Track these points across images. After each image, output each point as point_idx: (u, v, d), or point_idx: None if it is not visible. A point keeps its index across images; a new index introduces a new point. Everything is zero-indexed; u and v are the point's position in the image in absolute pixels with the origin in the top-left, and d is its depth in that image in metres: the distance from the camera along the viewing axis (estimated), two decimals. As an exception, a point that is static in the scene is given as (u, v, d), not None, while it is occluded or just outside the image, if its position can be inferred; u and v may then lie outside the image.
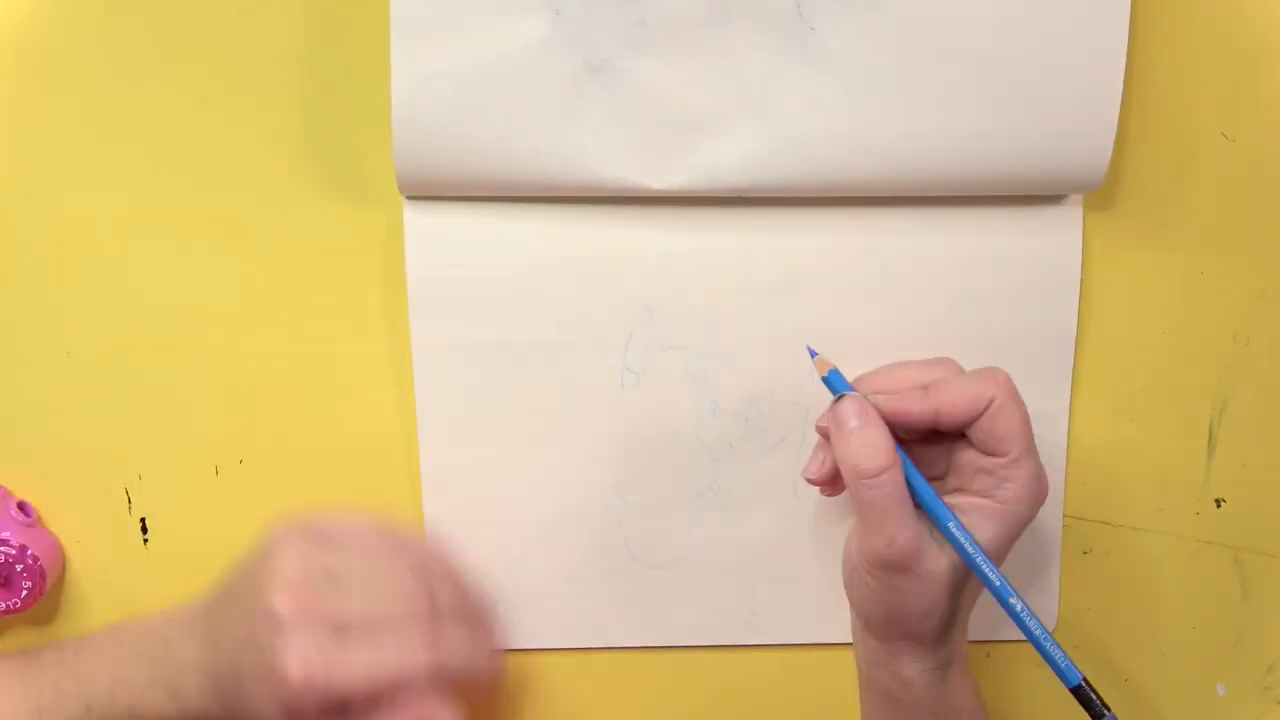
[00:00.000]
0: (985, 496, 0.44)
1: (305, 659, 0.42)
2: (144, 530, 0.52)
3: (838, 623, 0.52)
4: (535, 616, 0.52)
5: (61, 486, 0.51)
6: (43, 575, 0.49)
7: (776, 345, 0.50)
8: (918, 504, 0.44)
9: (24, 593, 0.49)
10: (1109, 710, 0.42)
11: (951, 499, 0.44)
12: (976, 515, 0.44)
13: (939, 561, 0.43)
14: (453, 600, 0.47)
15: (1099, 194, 0.49)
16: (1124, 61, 0.46)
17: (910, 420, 0.44)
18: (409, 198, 0.48)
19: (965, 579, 0.44)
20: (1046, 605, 0.53)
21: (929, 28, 0.45)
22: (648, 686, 0.54)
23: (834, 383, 0.46)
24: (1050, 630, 0.53)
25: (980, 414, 0.43)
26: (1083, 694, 0.42)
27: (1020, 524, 0.44)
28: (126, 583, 0.52)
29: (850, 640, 0.49)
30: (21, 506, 0.50)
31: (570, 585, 0.52)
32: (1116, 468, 0.53)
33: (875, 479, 0.43)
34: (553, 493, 0.51)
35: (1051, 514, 0.53)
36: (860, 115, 0.46)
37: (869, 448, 0.43)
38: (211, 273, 0.50)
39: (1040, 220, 0.50)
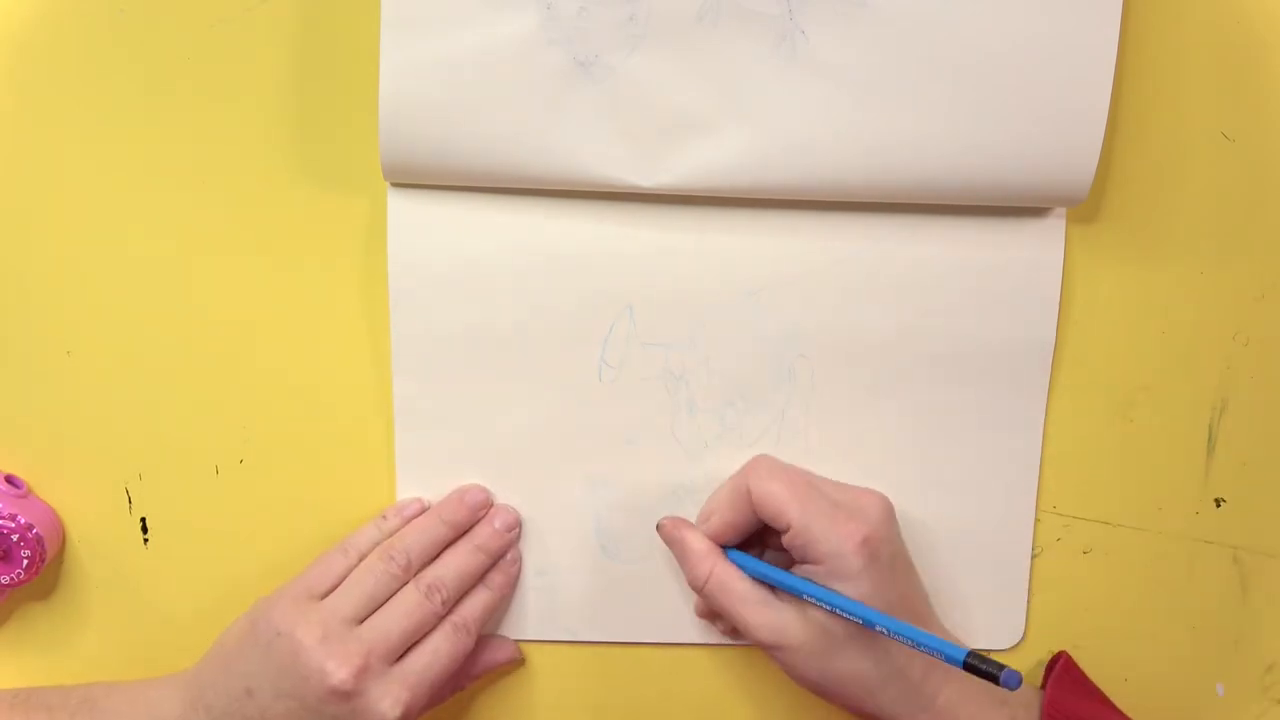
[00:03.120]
0: (808, 563, 0.46)
1: (393, 701, 0.45)
2: (144, 530, 0.52)
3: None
4: (503, 608, 0.52)
5: (61, 487, 0.51)
6: (40, 542, 0.49)
7: (756, 346, 0.50)
8: (775, 588, 0.47)
9: (25, 562, 0.49)
10: (1003, 668, 0.41)
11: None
12: (819, 581, 0.46)
13: (802, 633, 0.46)
14: (443, 550, 0.50)
15: (1088, 205, 0.49)
16: (1111, 81, 0.46)
17: (723, 537, 0.49)
18: (393, 185, 0.48)
19: (847, 641, 0.46)
20: (1015, 609, 0.53)
21: (918, 38, 0.45)
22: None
23: None
24: (1022, 635, 0.53)
25: (750, 508, 0.47)
26: (972, 666, 0.42)
27: (848, 574, 0.45)
28: (126, 583, 0.52)
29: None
30: (10, 479, 0.50)
31: (540, 578, 0.52)
32: (1116, 468, 0.53)
33: (703, 587, 0.48)
34: (526, 484, 0.51)
35: (1023, 519, 0.53)
36: (847, 121, 0.46)
37: (691, 564, 0.48)
38: (205, 265, 0.50)
39: (1024, 231, 0.50)
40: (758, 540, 0.50)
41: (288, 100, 0.48)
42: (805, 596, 0.45)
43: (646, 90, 0.46)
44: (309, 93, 0.48)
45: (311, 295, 0.50)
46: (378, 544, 0.49)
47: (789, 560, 0.47)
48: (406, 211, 0.48)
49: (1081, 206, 0.49)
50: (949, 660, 0.42)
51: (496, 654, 0.52)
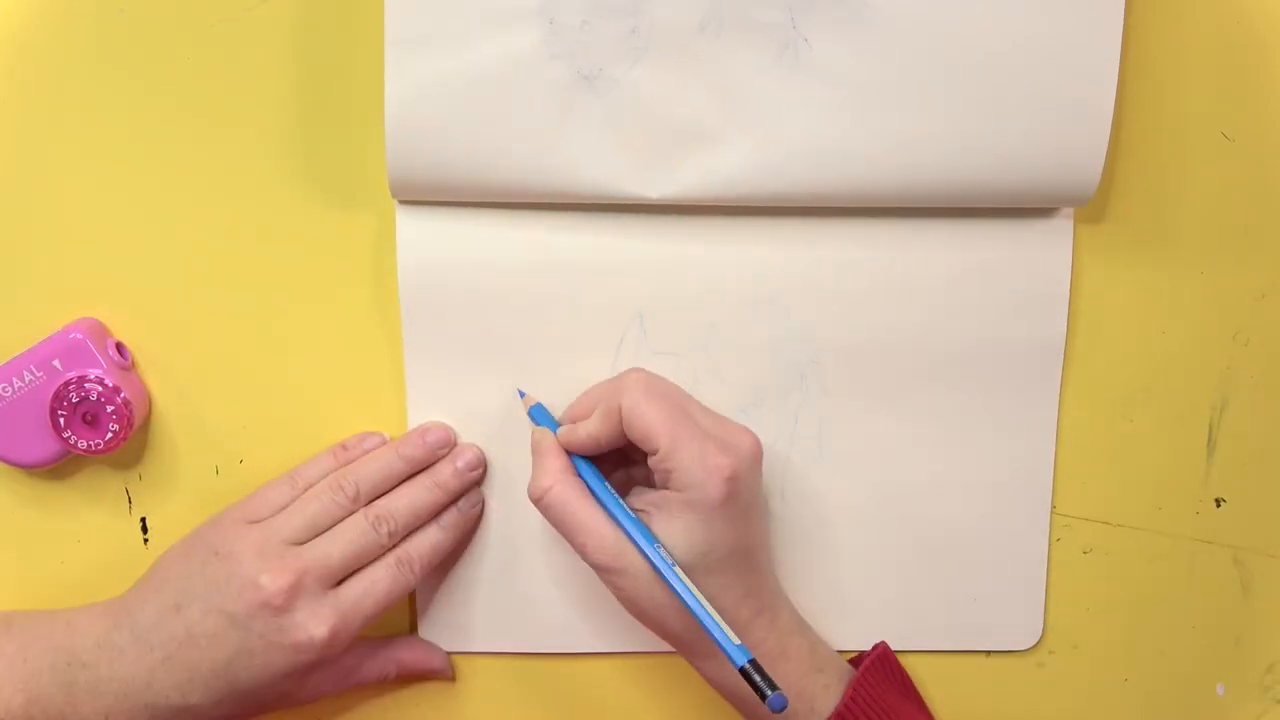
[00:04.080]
0: (667, 489, 0.45)
1: (320, 622, 0.45)
2: (144, 530, 0.52)
3: (820, 630, 0.52)
4: (522, 621, 0.52)
5: (61, 486, 0.51)
6: (130, 422, 0.48)
7: (765, 353, 0.50)
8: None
9: (109, 435, 0.48)
10: (775, 689, 0.42)
11: (648, 496, 0.46)
12: (669, 508, 0.45)
13: (639, 559, 0.45)
14: (397, 485, 0.49)
15: (1096, 205, 0.49)
16: (1115, 80, 0.46)
17: (585, 448, 0.47)
18: (401, 202, 0.48)
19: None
20: (1032, 610, 0.53)
21: (921, 42, 0.45)
22: (634, 692, 0.54)
23: (535, 416, 0.49)
24: (1040, 635, 0.53)
25: (620, 424, 0.46)
26: (748, 675, 0.42)
27: (706, 506, 0.44)
28: (127, 583, 0.52)
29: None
30: (119, 348, 0.50)
31: (558, 589, 0.52)
32: (1117, 468, 0.53)
33: (538, 502, 0.46)
34: None
35: (1038, 519, 0.53)
36: (852, 127, 0.46)
37: (534, 475, 0.47)
38: (208, 275, 0.50)
39: (1031, 233, 0.50)
40: (622, 456, 0.49)
41: (291, 99, 0.48)
42: (632, 539, 0.45)
43: (650, 102, 0.46)
44: (311, 93, 0.48)
45: (312, 298, 0.50)
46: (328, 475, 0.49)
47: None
48: (414, 229, 0.49)
49: (1083, 207, 0.49)
50: (730, 659, 0.43)
51: (430, 659, 0.52)
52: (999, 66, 0.45)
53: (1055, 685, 0.54)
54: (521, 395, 0.50)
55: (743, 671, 0.42)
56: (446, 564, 0.52)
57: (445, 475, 0.49)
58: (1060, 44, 0.45)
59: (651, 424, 0.45)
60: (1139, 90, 0.49)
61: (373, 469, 0.48)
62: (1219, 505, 0.54)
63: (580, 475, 0.47)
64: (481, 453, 0.50)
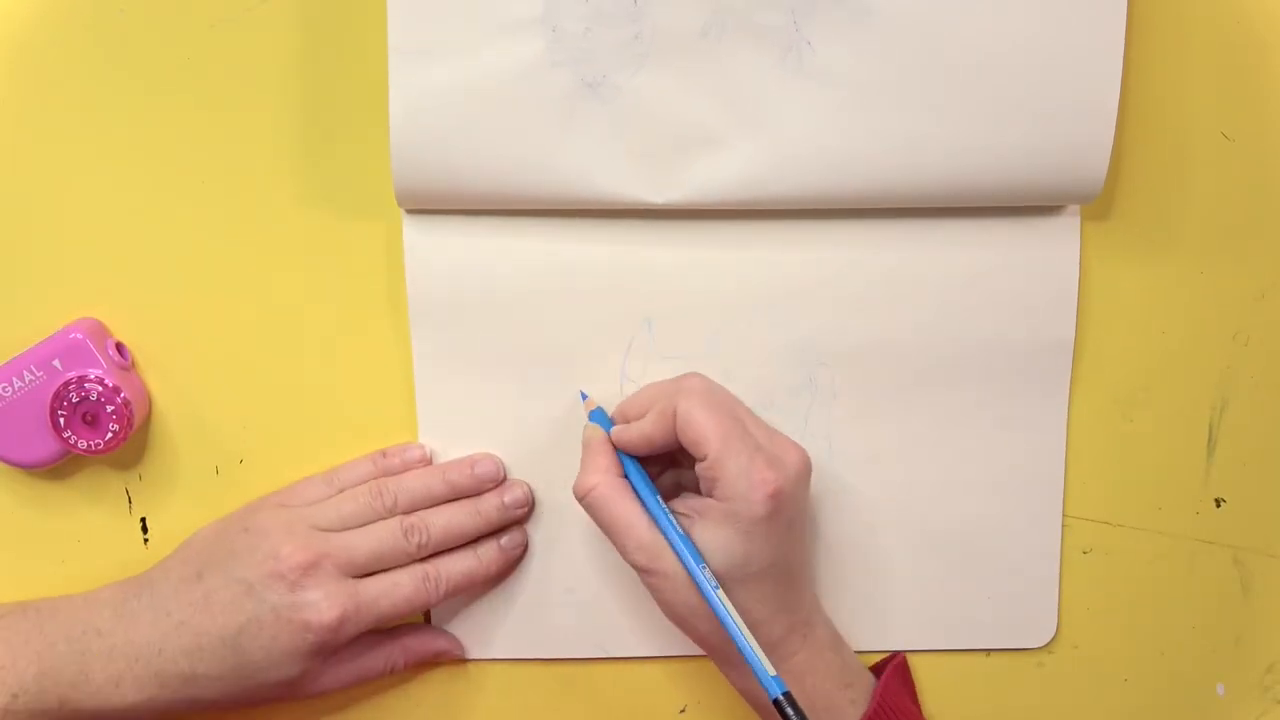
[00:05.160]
0: (710, 497, 0.45)
1: (331, 604, 0.45)
2: (144, 530, 0.52)
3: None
4: (534, 627, 0.52)
5: (61, 486, 0.51)
6: (130, 421, 0.48)
7: (774, 356, 0.50)
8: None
9: (109, 435, 0.48)
10: None
11: (691, 502, 0.46)
12: (711, 516, 0.45)
13: (677, 561, 0.45)
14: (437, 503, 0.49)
15: (1098, 203, 0.49)
16: (1120, 76, 0.46)
17: (636, 448, 0.47)
18: (408, 211, 0.48)
19: (721, 579, 0.45)
20: (1045, 608, 0.53)
21: (925, 41, 0.45)
22: (648, 696, 0.54)
23: (595, 419, 0.49)
24: (1055, 632, 0.53)
25: (674, 426, 0.46)
26: (780, 708, 0.43)
27: (747, 519, 0.44)
28: (127, 583, 0.52)
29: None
30: (119, 348, 0.50)
31: (569, 595, 0.52)
32: (1116, 468, 0.53)
33: (583, 499, 0.47)
34: (551, 500, 0.51)
35: (1049, 517, 0.53)
36: (857, 128, 0.46)
37: (581, 471, 0.47)
38: (207, 276, 0.50)
39: (1038, 231, 0.50)
40: (671, 459, 0.49)
41: (292, 99, 0.48)
42: (672, 545, 0.45)
43: (654, 108, 0.46)
44: (313, 94, 0.48)
45: (314, 299, 0.50)
46: (366, 481, 0.49)
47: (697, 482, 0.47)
48: (421, 237, 0.49)
49: (1087, 206, 0.49)
50: (766, 689, 0.43)
51: (437, 641, 0.51)
52: (1003, 65, 0.45)
53: (1055, 685, 0.54)
54: (584, 398, 0.50)
55: (776, 704, 0.42)
56: (472, 593, 0.52)
57: (489, 506, 0.50)
58: (1063, 42, 0.45)
59: (704, 430, 0.45)
60: (1138, 90, 0.49)
61: (415, 484, 0.49)
62: (1219, 505, 0.54)
63: (626, 475, 0.47)
64: (530, 493, 0.51)
